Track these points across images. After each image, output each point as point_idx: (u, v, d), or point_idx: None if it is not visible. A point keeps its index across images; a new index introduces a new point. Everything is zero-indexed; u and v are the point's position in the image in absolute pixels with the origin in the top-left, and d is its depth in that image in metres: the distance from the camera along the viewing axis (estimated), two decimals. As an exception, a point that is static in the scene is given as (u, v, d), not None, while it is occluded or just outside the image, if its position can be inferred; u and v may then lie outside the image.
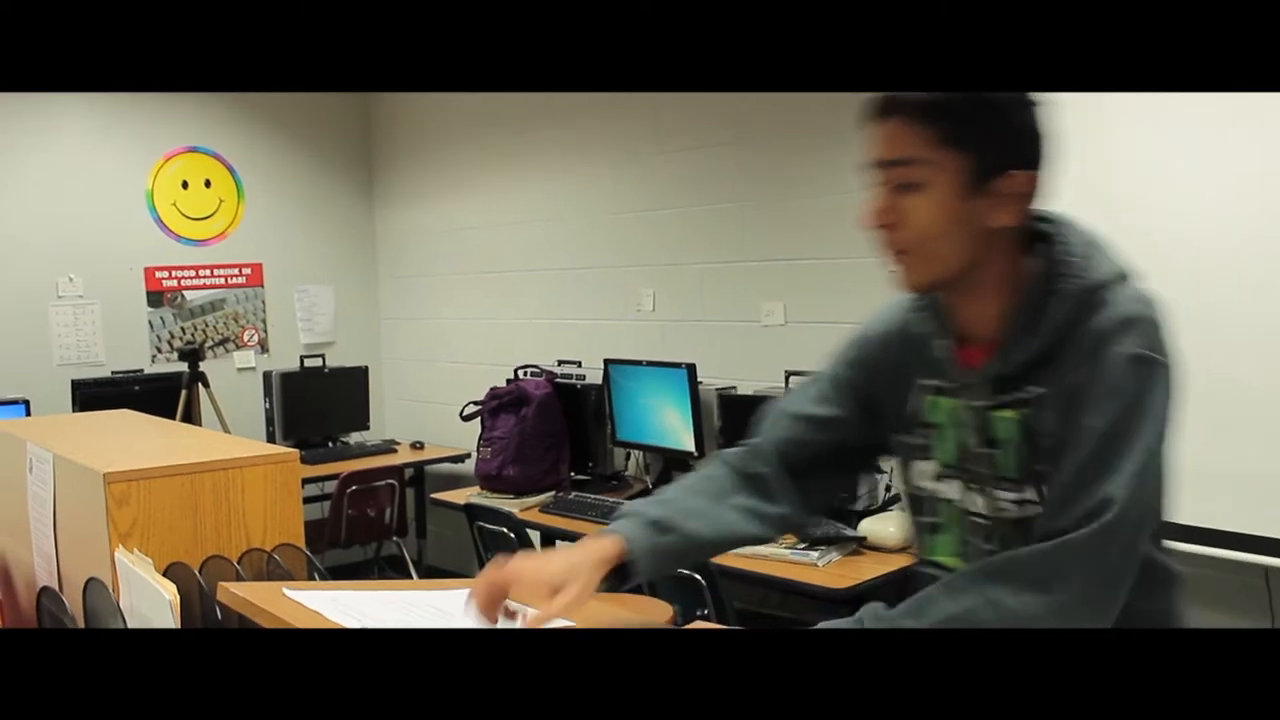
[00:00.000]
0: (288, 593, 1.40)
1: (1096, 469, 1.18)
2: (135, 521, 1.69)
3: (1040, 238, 1.29)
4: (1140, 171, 2.81)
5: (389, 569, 5.55)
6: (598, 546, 1.33)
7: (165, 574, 1.61)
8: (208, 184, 5.40)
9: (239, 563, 1.74)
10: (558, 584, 1.26)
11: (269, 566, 1.77)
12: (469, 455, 5.19)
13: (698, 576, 3.09)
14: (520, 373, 4.46)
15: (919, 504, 1.45)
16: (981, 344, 1.32)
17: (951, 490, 1.38)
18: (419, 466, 5.27)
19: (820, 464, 1.50)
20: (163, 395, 4.67)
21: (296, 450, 1.86)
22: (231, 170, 5.46)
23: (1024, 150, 1.24)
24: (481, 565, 4.08)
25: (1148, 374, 1.20)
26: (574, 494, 4.01)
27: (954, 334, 1.35)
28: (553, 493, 4.08)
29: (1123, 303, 1.22)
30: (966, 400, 1.34)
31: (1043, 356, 1.25)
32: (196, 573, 1.66)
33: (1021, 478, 1.29)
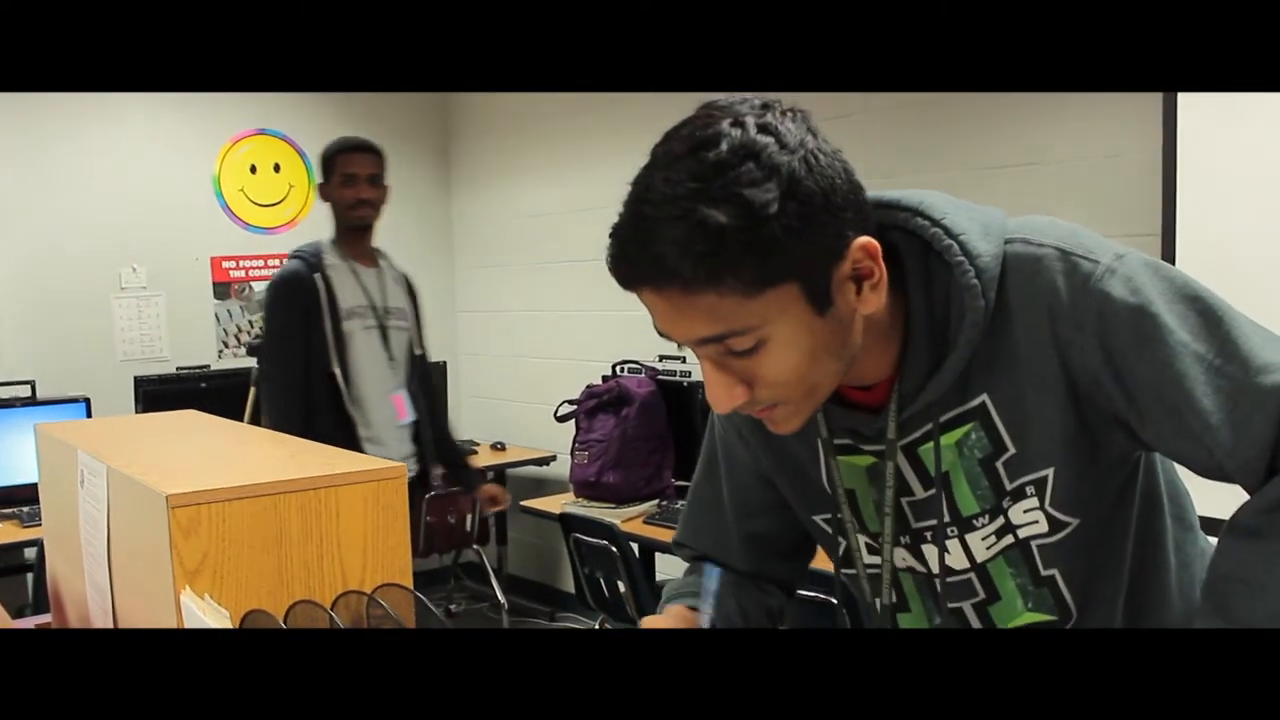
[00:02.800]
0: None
1: (1230, 378, 0.91)
2: (206, 556, 1.33)
3: (897, 233, 1.01)
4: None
5: (467, 577, 5.24)
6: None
7: (242, 626, 1.26)
8: (277, 168, 5.10)
9: (333, 609, 1.38)
10: None
11: (369, 612, 1.40)
12: (554, 457, 4.87)
13: (833, 600, 2.71)
14: (619, 369, 4.09)
15: (869, 588, 1.15)
16: (878, 379, 1.05)
17: (900, 558, 1.13)
18: (500, 470, 4.94)
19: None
20: (230, 393, 4.37)
21: (403, 464, 1.49)
22: (301, 154, 5.15)
23: (835, 218, 0.91)
24: (577, 581, 3.73)
25: (1141, 268, 0.95)
26: (680, 503, 3.64)
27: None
28: (656, 501, 3.71)
29: (1037, 246, 0.97)
30: (881, 446, 1.06)
31: (969, 361, 1.00)
32: (283, 625, 1.30)
33: (995, 503, 1.04)
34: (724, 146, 0.88)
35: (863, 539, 1.13)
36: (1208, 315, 0.93)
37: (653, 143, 0.97)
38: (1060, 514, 1.03)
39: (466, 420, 5.59)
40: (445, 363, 5.19)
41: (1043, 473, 1.01)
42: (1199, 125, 2.54)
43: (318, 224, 5.19)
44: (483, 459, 4.86)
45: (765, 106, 0.91)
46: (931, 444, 1.03)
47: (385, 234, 5.50)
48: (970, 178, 3.37)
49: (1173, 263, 2.59)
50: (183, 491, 1.31)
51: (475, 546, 4.63)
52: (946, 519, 1.06)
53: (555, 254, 5.03)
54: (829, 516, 1.16)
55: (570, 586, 4.14)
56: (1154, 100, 2.67)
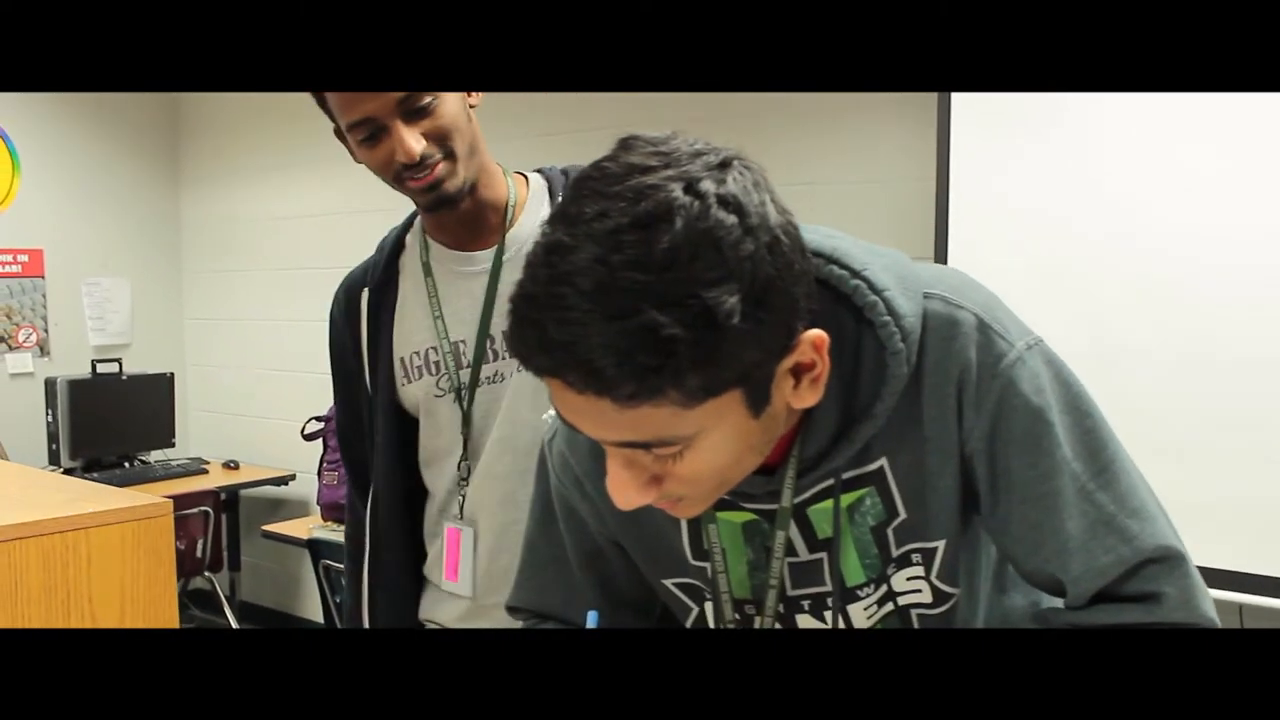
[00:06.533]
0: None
1: (1099, 507, 0.89)
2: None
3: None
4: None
5: (195, 606, 4.85)
6: None
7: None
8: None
9: (84, 673, 1.17)
10: None
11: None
12: (293, 477, 4.58)
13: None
14: (371, 383, 3.88)
15: None
16: None
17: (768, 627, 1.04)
18: (234, 490, 4.59)
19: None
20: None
21: (168, 501, 1.30)
22: (3, 136, 4.61)
23: (791, 311, 0.79)
24: (326, 610, 3.49)
25: (1045, 366, 0.90)
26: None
27: None
28: (413, 523, 3.53)
29: (956, 307, 0.90)
30: (765, 505, 0.97)
31: (871, 421, 0.91)
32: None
33: (881, 571, 0.98)
34: (679, 225, 0.71)
35: (727, 604, 1.03)
36: (1093, 435, 0.90)
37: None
38: (945, 585, 0.99)
39: (195, 437, 5.18)
40: (172, 375, 4.79)
41: (934, 544, 0.96)
42: (972, 152, 2.60)
43: (24, 217, 4.67)
44: (214, 479, 4.50)
45: (724, 165, 0.76)
46: (822, 504, 0.95)
47: (109, 232, 5.03)
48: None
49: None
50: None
51: (207, 573, 4.29)
52: (829, 588, 0.99)
53: (298, 259, 4.73)
54: (683, 581, 1.05)
55: (312, 614, 3.89)
56: (929, 125, 2.72)
